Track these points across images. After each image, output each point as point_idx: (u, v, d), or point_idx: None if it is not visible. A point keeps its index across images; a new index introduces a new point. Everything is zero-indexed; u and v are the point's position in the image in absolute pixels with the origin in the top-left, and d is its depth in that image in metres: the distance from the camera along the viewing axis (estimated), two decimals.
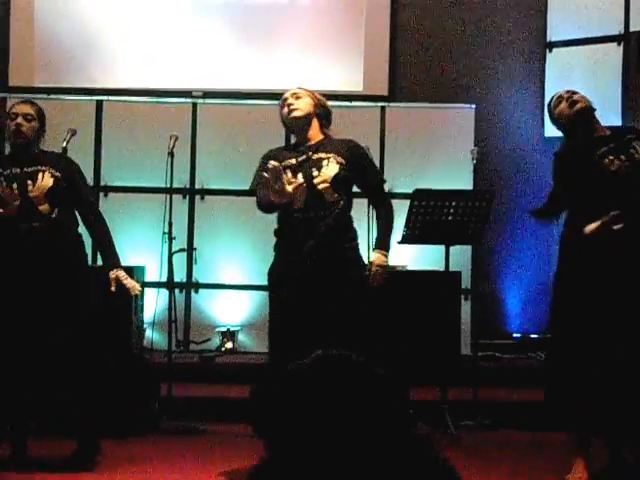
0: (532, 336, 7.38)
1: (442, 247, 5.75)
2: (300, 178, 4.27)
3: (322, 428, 1.66)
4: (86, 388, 4.57)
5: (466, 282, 7.00)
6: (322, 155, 4.36)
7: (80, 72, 7.84)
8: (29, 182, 4.50)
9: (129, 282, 4.62)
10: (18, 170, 4.54)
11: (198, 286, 7.56)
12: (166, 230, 5.99)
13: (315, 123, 4.45)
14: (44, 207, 4.49)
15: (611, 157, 4.22)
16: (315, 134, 4.44)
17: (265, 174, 4.12)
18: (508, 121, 7.83)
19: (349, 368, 1.73)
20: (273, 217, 4.44)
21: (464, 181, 6.97)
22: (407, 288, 6.43)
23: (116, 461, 4.75)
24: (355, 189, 4.49)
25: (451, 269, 5.86)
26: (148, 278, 6.73)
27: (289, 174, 4.29)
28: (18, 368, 4.42)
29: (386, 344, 4.47)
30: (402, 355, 5.91)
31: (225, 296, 7.55)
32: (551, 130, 7.09)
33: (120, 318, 5.87)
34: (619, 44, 7.49)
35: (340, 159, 4.35)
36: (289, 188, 4.14)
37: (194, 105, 7.68)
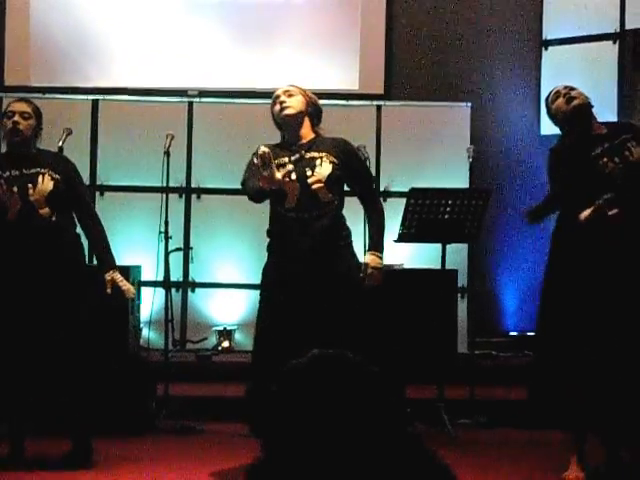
0: (529, 334, 7.38)
1: (438, 245, 5.76)
2: (293, 176, 4.27)
3: (318, 427, 1.66)
4: (85, 388, 4.57)
5: (462, 280, 7.01)
6: (315, 154, 4.35)
7: (76, 71, 7.83)
8: (29, 185, 4.49)
9: (125, 285, 4.63)
10: (17, 172, 4.52)
11: (195, 285, 7.56)
12: (162, 229, 5.99)
13: (307, 122, 4.43)
14: (44, 211, 4.49)
15: (605, 159, 4.22)
16: (307, 133, 4.43)
17: (255, 160, 4.12)
18: (504, 119, 7.83)
19: (345, 367, 1.73)
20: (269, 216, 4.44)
21: (460, 179, 6.96)
22: (403, 286, 6.43)
23: (113, 460, 4.75)
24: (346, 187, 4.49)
25: (447, 267, 5.87)
26: (144, 277, 6.73)
27: (282, 173, 4.29)
28: (18, 368, 4.42)
29: (382, 343, 4.47)
30: (398, 353, 5.91)
31: (222, 295, 7.55)
32: (547, 128, 7.10)
33: (117, 317, 5.86)
34: (615, 42, 7.49)
35: (333, 158, 4.34)
36: (278, 175, 4.14)
37: (190, 104, 7.68)
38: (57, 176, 4.54)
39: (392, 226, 5.76)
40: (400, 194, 6.75)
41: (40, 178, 4.51)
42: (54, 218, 4.50)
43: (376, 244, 4.49)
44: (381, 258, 4.47)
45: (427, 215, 5.58)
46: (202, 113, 7.66)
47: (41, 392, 4.50)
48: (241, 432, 5.10)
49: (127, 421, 5.38)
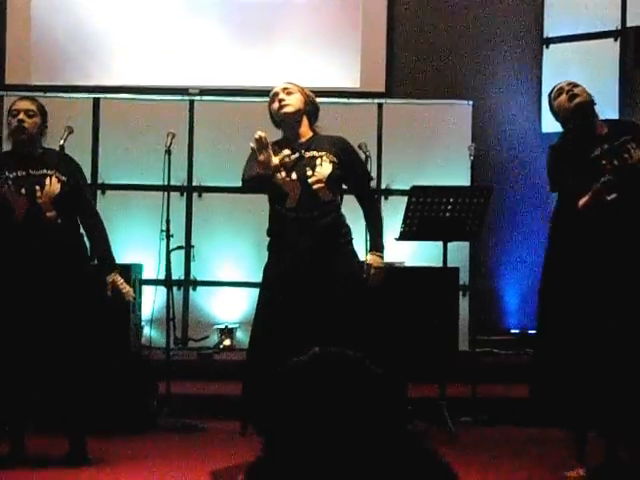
0: (530, 332, 7.38)
1: (440, 243, 5.75)
2: (294, 176, 4.27)
3: (319, 425, 1.66)
4: (85, 388, 4.58)
5: (464, 278, 7.01)
6: (314, 153, 4.34)
7: (77, 70, 7.83)
8: (37, 188, 4.50)
9: (125, 288, 4.66)
10: (24, 173, 4.52)
11: (196, 283, 7.56)
12: (164, 228, 5.99)
13: (305, 120, 4.43)
14: (51, 213, 4.50)
15: (604, 162, 4.20)
16: (305, 131, 4.42)
17: (251, 144, 4.12)
18: (505, 117, 7.83)
19: (346, 365, 1.73)
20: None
21: (461, 177, 6.97)
22: (405, 284, 6.43)
23: (115, 458, 4.75)
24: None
25: (449, 265, 5.86)
26: (146, 276, 6.73)
27: (283, 173, 4.29)
28: (22, 367, 4.43)
29: (384, 340, 4.46)
30: (400, 352, 5.91)
31: (223, 293, 7.55)
32: (548, 126, 7.10)
33: (118, 316, 5.87)
34: (616, 40, 7.48)
35: (332, 157, 4.34)
36: (275, 160, 4.14)
37: (191, 102, 7.67)
38: (64, 178, 4.55)
39: (393, 224, 5.76)
40: (401, 192, 6.75)
41: (47, 180, 4.51)
42: (59, 220, 4.52)
43: (376, 244, 4.49)
44: (382, 258, 4.48)
45: (428, 213, 5.57)
46: (203, 111, 7.66)
47: (44, 391, 4.51)
48: (242, 430, 5.10)
49: (129, 419, 5.38)
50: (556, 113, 4.46)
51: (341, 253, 4.34)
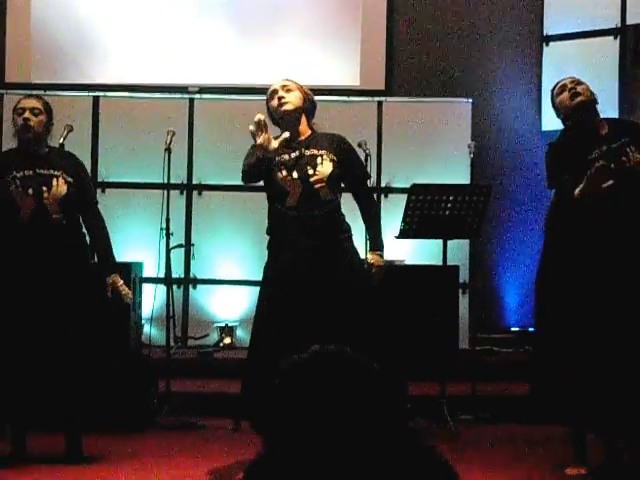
0: (530, 330, 7.39)
1: (440, 241, 5.75)
2: (295, 175, 4.27)
3: (319, 423, 1.66)
4: (86, 387, 4.59)
5: (464, 276, 7.01)
6: (314, 152, 4.34)
7: (76, 68, 7.83)
8: (44, 188, 4.50)
9: (124, 290, 4.68)
10: (31, 172, 4.52)
11: (196, 282, 7.56)
12: (164, 226, 5.99)
13: (303, 118, 4.43)
14: (57, 215, 4.50)
15: (601, 163, 4.17)
16: (304, 129, 4.42)
17: (250, 127, 4.11)
18: (505, 115, 7.82)
19: (346, 363, 1.73)
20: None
21: (461, 175, 6.97)
22: (405, 283, 6.43)
23: (115, 457, 4.76)
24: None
25: (449, 263, 5.86)
26: (146, 274, 6.73)
27: (284, 172, 4.29)
28: (26, 367, 4.43)
29: (384, 338, 4.46)
30: (400, 350, 5.91)
31: (223, 292, 7.55)
32: (548, 124, 7.10)
33: (118, 314, 5.86)
34: (615, 37, 7.48)
35: (332, 156, 4.34)
36: (275, 143, 4.14)
37: (191, 101, 7.67)
38: (70, 179, 4.56)
39: (393, 222, 5.76)
40: (401, 190, 6.76)
41: (54, 181, 4.52)
42: (64, 221, 4.52)
43: (376, 242, 4.50)
44: (383, 257, 4.50)
45: (428, 211, 5.57)
46: (203, 109, 7.66)
47: (47, 390, 4.52)
48: (243, 428, 5.11)
49: (129, 417, 5.38)
50: (557, 109, 4.46)
51: (342, 249, 4.34)
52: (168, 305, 6.23)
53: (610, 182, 4.08)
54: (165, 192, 5.92)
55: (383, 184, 7.41)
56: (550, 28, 7.82)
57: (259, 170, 4.26)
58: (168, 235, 5.98)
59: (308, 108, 4.44)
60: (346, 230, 4.40)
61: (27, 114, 4.53)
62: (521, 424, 5.55)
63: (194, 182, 7.60)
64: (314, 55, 7.80)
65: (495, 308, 7.69)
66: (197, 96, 7.71)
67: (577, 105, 4.34)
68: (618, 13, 7.46)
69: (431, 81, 7.88)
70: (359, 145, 5.88)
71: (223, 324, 7.35)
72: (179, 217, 7.05)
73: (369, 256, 4.50)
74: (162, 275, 6.30)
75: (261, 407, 1.75)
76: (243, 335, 7.28)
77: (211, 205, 7.57)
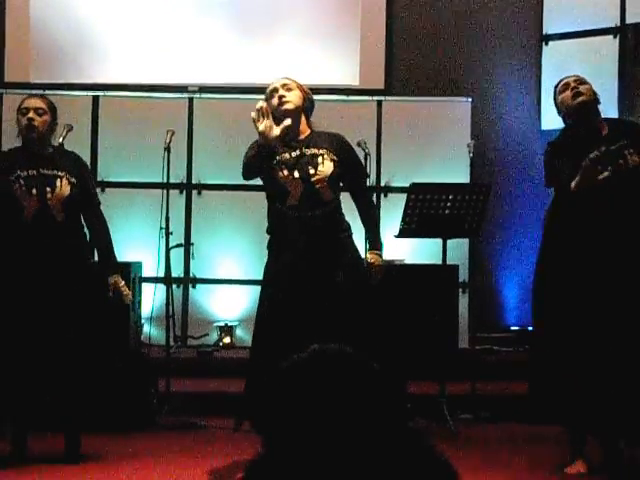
0: (530, 329, 7.38)
1: (439, 241, 5.75)
2: (296, 174, 4.26)
3: (318, 422, 1.66)
4: (86, 387, 4.59)
5: (463, 276, 7.01)
6: (315, 151, 4.34)
7: (76, 67, 7.83)
8: (48, 189, 4.50)
9: (125, 290, 4.70)
10: (35, 172, 4.52)
11: (195, 281, 7.56)
12: (163, 225, 5.99)
13: (303, 117, 4.43)
14: (60, 215, 4.51)
15: (599, 167, 4.16)
16: (304, 128, 4.42)
17: (252, 114, 4.11)
18: (505, 114, 7.82)
19: (346, 362, 1.73)
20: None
21: (461, 174, 6.96)
22: (404, 282, 6.43)
23: (115, 456, 4.76)
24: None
25: (448, 263, 5.86)
26: (145, 273, 6.73)
27: (285, 171, 4.29)
28: (28, 366, 4.43)
29: (384, 338, 4.46)
30: (400, 349, 5.91)
31: (223, 291, 7.54)
32: (548, 123, 7.11)
33: (118, 314, 5.87)
34: (615, 37, 7.48)
35: (333, 156, 4.34)
36: (276, 131, 4.13)
37: (190, 100, 7.67)
38: (73, 180, 4.56)
39: (393, 221, 5.77)
40: (401, 189, 6.75)
41: (58, 182, 4.52)
42: (67, 221, 4.53)
43: (375, 242, 4.50)
44: (382, 256, 4.50)
45: (428, 210, 5.57)
46: (202, 109, 7.66)
47: (48, 390, 4.52)
48: (243, 428, 5.11)
49: (128, 417, 5.38)
50: (559, 107, 4.46)
51: (343, 245, 4.35)
52: (168, 304, 6.23)
53: (606, 173, 4.09)
54: (165, 191, 5.92)
55: (382, 183, 7.41)
56: (550, 27, 7.82)
57: (260, 162, 4.25)
58: (168, 234, 5.98)
59: (307, 107, 4.44)
60: (346, 229, 4.41)
61: (31, 114, 4.53)
62: (521, 423, 5.55)
63: (194, 181, 7.59)
64: (314, 54, 7.80)
65: (495, 307, 7.69)
66: (197, 95, 7.71)
67: (578, 105, 4.34)
68: (618, 12, 7.47)
69: (430, 80, 7.87)
70: (358, 144, 5.88)
71: (223, 323, 7.34)
72: (179, 216, 7.05)
73: (368, 256, 4.50)
74: (162, 274, 6.29)
75: (261, 407, 1.75)
76: (243, 334, 7.28)
77: (211, 204, 7.57)
